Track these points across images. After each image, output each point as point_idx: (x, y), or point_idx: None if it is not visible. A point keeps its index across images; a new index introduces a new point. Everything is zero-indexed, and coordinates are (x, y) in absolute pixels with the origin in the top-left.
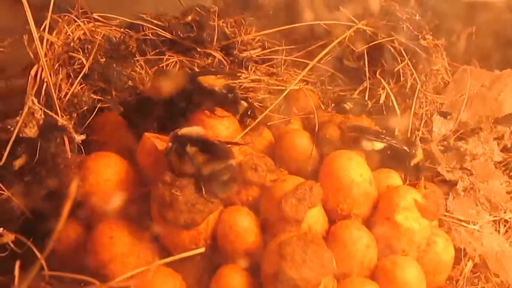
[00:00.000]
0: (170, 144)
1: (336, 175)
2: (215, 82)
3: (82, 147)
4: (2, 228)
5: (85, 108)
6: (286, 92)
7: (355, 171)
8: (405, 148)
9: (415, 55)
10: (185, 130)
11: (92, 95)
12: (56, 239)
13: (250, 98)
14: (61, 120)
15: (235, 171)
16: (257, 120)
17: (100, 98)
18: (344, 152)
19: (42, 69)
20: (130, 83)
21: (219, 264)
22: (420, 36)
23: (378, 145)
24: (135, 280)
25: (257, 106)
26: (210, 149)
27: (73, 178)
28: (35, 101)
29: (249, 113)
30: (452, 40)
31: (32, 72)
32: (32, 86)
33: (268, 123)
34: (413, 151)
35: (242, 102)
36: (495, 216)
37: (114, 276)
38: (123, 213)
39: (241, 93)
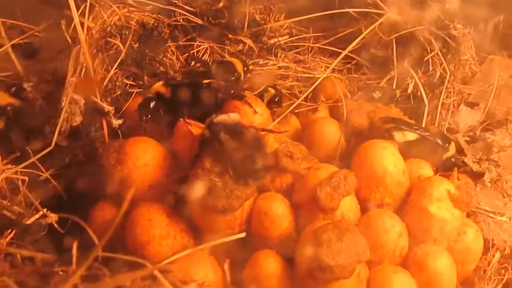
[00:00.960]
0: (205, 131)
1: (370, 164)
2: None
3: (119, 132)
4: (46, 209)
5: (118, 93)
6: (318, 81)
7: (389, 160)
8: (438, 141)
9: (445, 44)
10: (221, 118)
11: (125, 80)
12: (116, 224)
13: (279, 85)
14: (106, 106)
15: (268, 159)
16: (288, 110)
17: (132, 83)
18: (378, 142)
19: (82, 53)
20: (161, 68)
21: (252, 250)
22: (451, 26)
23: (410, 136)
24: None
25: (285, 93)
26: (245, 136)
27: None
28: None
29: (276, 100)
30: (479, 29)
31: (72, 57)
32: (72, 72)
33: (295, 111)
34: (446, 145)
35: (269, 89)
36: None
37: (151, 257)
38: (160, 197)
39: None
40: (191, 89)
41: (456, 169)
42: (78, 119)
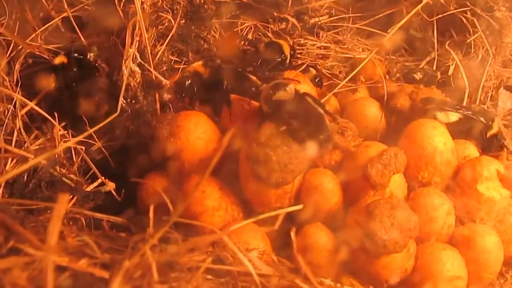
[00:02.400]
0: (265, 107)
1: (420, 143)
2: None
3: (170, 106)
4: (104, 178)
5: (164, 68)
6: (363, 63)
7: (439, 139)
8: (482, 119)
9: (488, 26)
10: (280, 95)
11: (170, 56)
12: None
13: (319, 65)
14: (164, 79)
15: (330, 130)
16: (332, 92)
17: (177, 59)
18: (428, 121)
19: (136, 28)
20: (205, 45)
21: (300, 223)
22: (495, 7)
23: (453, 117)
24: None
25: (326, 73)
26: (305, 109)
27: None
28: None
29: (317, 80)
30: None
31: (128, 29)
32: (129, 45)
33: (335, 91)
34: (490, 122)
35: (311, 69)
36: None
37: (204, 228)
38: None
39: (310, 60)
40: (230, 74)
41: (505, 149)
42: (136, 90)
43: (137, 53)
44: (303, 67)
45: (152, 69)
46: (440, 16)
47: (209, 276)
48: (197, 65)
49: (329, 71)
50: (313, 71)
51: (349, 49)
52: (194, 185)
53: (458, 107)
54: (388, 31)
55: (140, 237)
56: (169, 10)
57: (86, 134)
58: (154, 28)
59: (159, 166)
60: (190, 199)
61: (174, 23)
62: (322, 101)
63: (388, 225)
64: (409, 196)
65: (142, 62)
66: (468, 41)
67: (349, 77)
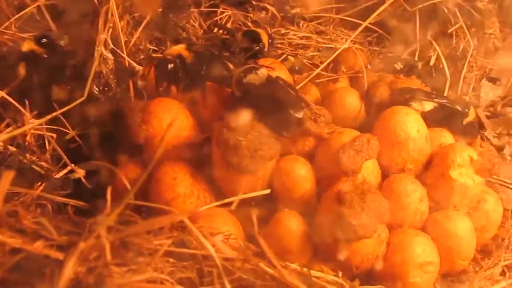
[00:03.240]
0: (236, 91)
1: (393, 129)
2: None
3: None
4: (73, 165)
5: (142, 57)
6: (339, 51)
7: (412, 126)
8: (458, 107)
9: (470, 17)
10: (251, 77)
11: (148, 45)
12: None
13: (300, 55)
14: (136, 65)
15: (301, 110)
16: (308, 78)
17: (154, 48)
18: (401, 108)
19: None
20: (184, 34)
21: (273, 211)
22: None
23: (428, 106)
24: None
25: (306, 63)
26: (276, 92)
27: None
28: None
29: (296, 68)
30: (504, 4)
31: (101, 16)
32: (102, 32)
33: (316, 81)
34: (465, 110)
35: (290, 57)
36: None
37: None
38: (185, 156)
39: (290, 50)
40: (211, 60)
41: (479, 136)
42: (108, 77)
43: (109, 40)
44: (283, 56)
45: (125, 56)
46: (421, 6)
47: (171, 260)
48: (180, 48)
49: (309, 61)
50: (292, 60)
51: (332, 40)
52: (166, 172)
53: (433, 96)
54: (371, 21)
55: (96, 220)
56: None
57: (46, 118)
58: (128, 15)
59: (133, 154)
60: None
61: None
62: (298, 87)
63: (358, 210)
64: (382, 183)
65: (115, 49)
66: (449, 31)
67: (324, 64)
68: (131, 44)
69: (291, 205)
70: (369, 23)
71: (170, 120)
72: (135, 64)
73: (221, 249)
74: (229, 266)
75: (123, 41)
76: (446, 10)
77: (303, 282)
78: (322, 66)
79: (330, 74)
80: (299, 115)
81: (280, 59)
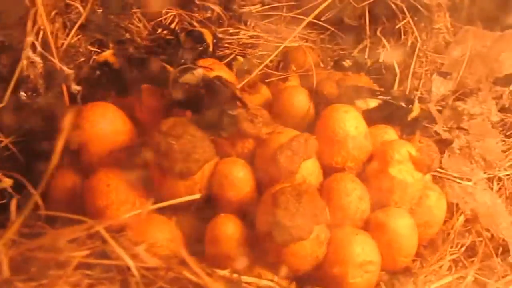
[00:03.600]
0: (171, 91)
1: (332, 128)
2: None
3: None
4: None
5: (82, 59)
6: (280, 48)
7: (351, 124)
8: (402, 104)
9: (417, 12)
10: (186, 78)
11: (89, 47)
12: (50, 175)
13: (249, 55)
14: (66, 69)
15: (237, 110)
16: (252, 75)
17: (97, 50)
18: (340, 106)
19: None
20: (127, 35)
21: (213, 215)
22: None
23: (372, 103)
24: (130, 225)
25: (256, 62)
26: (213, 92)
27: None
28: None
29: (245, 68)
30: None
31: (30, 19)
32: (29, 34)
33: (266, 80)
34: (410, 106)
35: (238, 57)
36: (489, 174)
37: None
38: (120, 162)
39: (239, 49)
40: (142, 63)
41: (418, 132)
42: (37, 81)
43: (37, 43)
44: (231, 56)
45: (54, 59)
46: (368, 2)
47: (88, 272)
48: (107, 54)
49: (259, 60)
50: (241, 60)
51: (284, 38)
52: (99, 179)
53: (377, 93)
54: (323, 18)
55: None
56: None
57: None
58: (65, 17)
59: (68, 162)
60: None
61: (84, 11)
62: (238, 87)
63: (293, 211)
64: (323, 183)
65: (44, 52)
66: (397, 27)
67: (265, 63)
68: (64, 46)
69: (231, 209)
70: (322, 20)
71: (104, 125)
72: (65, 68)
73: (144, 259)
74: (151, 276)
75: (52, 44)
76: (394, 6)
77: None
78: (263, 65)
79: (280, 73)
80: (233, 112)
81: (229, 59)
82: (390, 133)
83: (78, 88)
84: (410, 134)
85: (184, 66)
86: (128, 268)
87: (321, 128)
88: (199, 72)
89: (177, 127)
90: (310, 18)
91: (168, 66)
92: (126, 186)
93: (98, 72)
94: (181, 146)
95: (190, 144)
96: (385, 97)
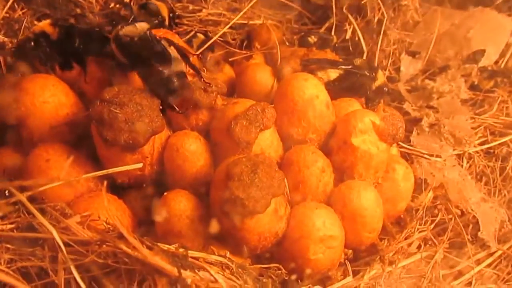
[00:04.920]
0: (111, 45)
1: (291, 96)
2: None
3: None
4: None
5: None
6: (234, 21)
7: (311, 92)
8: (365, 72)
9: None
10: (127, 29)
11: (35, 22)
12: None
13: (210, 32)
14: (4, 38)
15: (185, 77)
16: (204, 47)
17: None
18: (299, 74)
19: None
20: (78, 10)
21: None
22: None
23: (334, 74)
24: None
25: (218, 40)
26: (155, 49)
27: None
28: None
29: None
30: None
31: None
32: None
33: (230, 59)
34: (373, 74)
35: (199, 34)
36: (460, 151)
37: (50, 201)
38: (62, 137)
39: (199, 27)
40: (84, 34)
41: (382, 101)
42: None
43: None
44: (192, 33)
45: None
46: None
47: (9, 246)
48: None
49: (222, 38)
50: (201, 37)
51: (247, 17)
52: (38, 155)
53: (339, 63)
54: None
55: None
56: None
57: None
58: None
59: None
60: None
61: None
62: (199, 52)
63: (248, 182)
64: (283, 156)
65: None
66: (363, 2)
67: (216, 37)
68: (1, 16)
69: (184, 184)
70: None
71: (45, 98)
72: (2, 37)
73: (75, 232)
74: (83, 250)
75: None
76: None
77: (177, 263)
78: (214, 38)
79: (244, 52)
80: (176, 68)
81: (189, 36)
82: (355, 106)
83: (13, 59)
84: (375, 104)
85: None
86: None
87: (279, 97)
88: (142, 26)
89: (121, 94)
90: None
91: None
92: (69, 163)
93: (31, 43)
94: (126, 115)
95: (136, 113)
96: (346, 67)
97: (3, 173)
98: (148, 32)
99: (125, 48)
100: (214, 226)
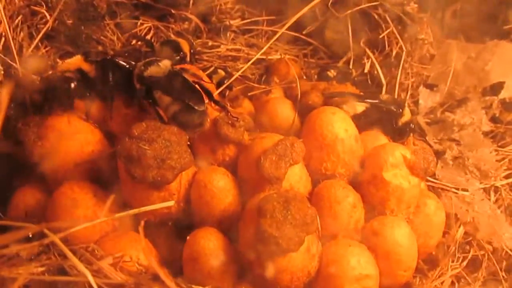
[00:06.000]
0: (137, 85)
1: (320, 131)
2: None
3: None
4: None
5: (50, 72)
6: (254, 59)
7: (339, 126)
8: (392, 107)
9: (400, 21)
10: (151, 70)
11: (58, 60)
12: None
13: (229, 68)
14: (35, 77)
15: (206, 116)
16: (225, 85)
17: None
18: (327, 108)
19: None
20: (100, 48)
21: (192, 230)
22: (404, 2)
23: (360, 108)
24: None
25: (238, 76)
26: (179, 86)
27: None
28: None
29: (225, 81)
30: (437, 16)
31: None
32: None
33: (249, 94)
34: (400, 110)
35: (219, 70)
36: (486, 184)
37: (75, 240)
38: (89, 174)
39: (219, 62)
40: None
41: (412, 134)
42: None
43: None
44: (211, 69)
45: (17, 66)
46: (350, 11)
47: None
48: (77, 60)
49: (241, 74)
50: (222, 73)
51: (265, 53)
52: (63, 193)
53: (365, 97)
54: (304, 32)
55: None
56: (43, 3)
57: None
58: (31, 27)
59: (31, 177)
60: None
61: (50, 18)
62: (218, 91)
63: (280, 220)
64: (313, 192)
65: (4, 57)
66: (380, 36)
67: (238, 74)
68: (28, 52)
69: (212, 221)
70: (304, 35)
71: (70, 135)
72: (32, 75)
73: (108, 274)
74: None
75: (15, 52)
76: (376, 16)
77: None
78: (236, 75)
79: (263, 86)
80: (199, 107)
81: (209, 72)
82: (381, 139)
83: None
84: (401, 139)
85: (150, 59)
86: (90, 286)
87: (307, 132)
88: (165, 64)
89: (150, 131)
90: (283, 29)
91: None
92: (95, 201)
93: (74, 83)
94: (154, 152)
95: (165, 149)
96: (373, 101)
97: (25, 213)
98: (171, 70)
99: (150, 87)
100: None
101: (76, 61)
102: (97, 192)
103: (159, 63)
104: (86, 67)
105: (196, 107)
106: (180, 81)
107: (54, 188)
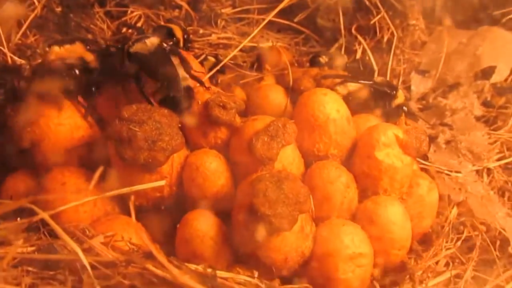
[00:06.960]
0: (124, 64)
1: (311, 111)
2: None
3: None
4: None
5: (39, 61)
6: (244, 42)
7: (331, 106)
8: (385, 89)
9: (391, 7)
10: (137, 46)
11: (47, 48)
12: None
13: (220, 55)
14: (23, 62)
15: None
16: (215, 69)
17: None
18: (318, 89)
19: None
20: (89, 36)
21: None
22: None
23: (352, 87)
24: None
25: (229, 63)
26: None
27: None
28: None
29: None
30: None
31: None
32: None
33: (240, 82)
34: (393, 92)
35: (209, 57)
36: (479, 166)
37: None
38: (79, 159)
39: (210, 50)
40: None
41: (403, 115)
42: None
43: None
44: (203, 56)
45: (6, 51)
46: None
47: (30, 268)
48: (79, 49)
49: (232, 61)
50: (212, 59)
51: (255, 41)
52: (53, 178)
53: (359, 79)
54: (295, 20)
55: None
56: None
57: None
58: None
59: (21, 163)
60: None
61: (38, 5)
62: (209, 74)
63: (273, 199)
64: (305, 173)
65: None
66: (371, 22)
67: (227, 59)
68: (15, 41)
69: (205, 204)
70: (295, 23)
71: (60, 120)
72: (20, 60)
73: (99, 253)
74: (109, 272)
75: (3, 39)
76: (367, 2)
77: (206, 284)
78: (225, 60)
79: (255, 74)
80: (184, 82)
81: (200, 59)
82: (372, 121)
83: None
84: (393, 121)
85: (137, 37)
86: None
87: (299, 113)
88: (152, 41)
89: (140, 112)
90: (274, 13)
91: None
92: (86, 185)
93: (76, 71)
94: (145, 133)
95: (156, 131)
96: (366, 82)
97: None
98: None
99: (136, 65)
100: (238, 247)
101: (76, 49)
102: (88, 176)
103: (146, 40)
104: (88, 57)
105: (170, 93)
106: (162, 61)
107: (43, 174)
